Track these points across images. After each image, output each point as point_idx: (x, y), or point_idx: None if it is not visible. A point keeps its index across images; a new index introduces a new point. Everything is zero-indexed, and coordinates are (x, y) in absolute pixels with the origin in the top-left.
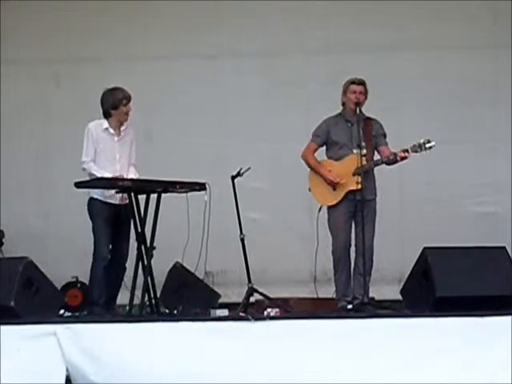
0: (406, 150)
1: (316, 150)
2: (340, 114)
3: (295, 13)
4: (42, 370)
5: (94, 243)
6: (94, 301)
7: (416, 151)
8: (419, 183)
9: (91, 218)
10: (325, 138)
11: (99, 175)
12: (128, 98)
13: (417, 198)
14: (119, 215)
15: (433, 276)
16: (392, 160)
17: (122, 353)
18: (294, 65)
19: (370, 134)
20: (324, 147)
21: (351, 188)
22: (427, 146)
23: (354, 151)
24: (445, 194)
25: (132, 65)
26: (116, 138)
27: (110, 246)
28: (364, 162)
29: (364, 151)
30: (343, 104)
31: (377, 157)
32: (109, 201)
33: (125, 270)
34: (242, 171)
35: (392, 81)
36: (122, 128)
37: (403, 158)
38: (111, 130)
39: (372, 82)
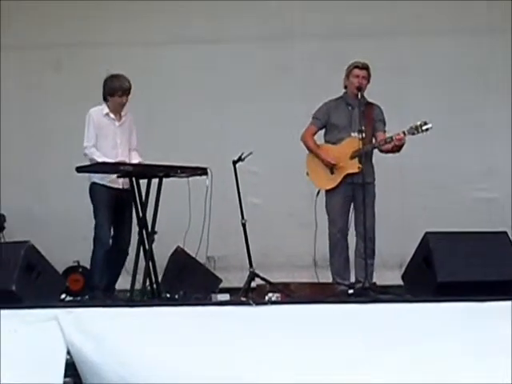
0: (403, 133)
1: (316, 133)
2: (341, 97)
3: None
4: (44, 353)
5: (94, 228)
6: (94, 285)
7: (413, 133)
8: (420, 168)
9: (93, 203)
10: (324, 120)
11: (101, 161)
12: (123, 91)
13: (418, 182)
14: (121, 200)
15: (434, 261)
16: (388, 142)
17: (124, 337)
18: (294, 50)
19: (370, 118)
20: (323, 130)
21: (350, 171)
22: (424, 128)
23: (353, 135)
24: (446, 179)
25: (132, 50)
26: (117, 123)
27: (112, 231)
28: (362, 145)
29: (363, 135)
30: (345, 87)
31: None
32: (111, 185)
33: (127, 255)
34: (243, 156)
35: (392, 66)
36: (123, 113)
37: (399, 140)
38: (112, 115)
39: (372, 67)
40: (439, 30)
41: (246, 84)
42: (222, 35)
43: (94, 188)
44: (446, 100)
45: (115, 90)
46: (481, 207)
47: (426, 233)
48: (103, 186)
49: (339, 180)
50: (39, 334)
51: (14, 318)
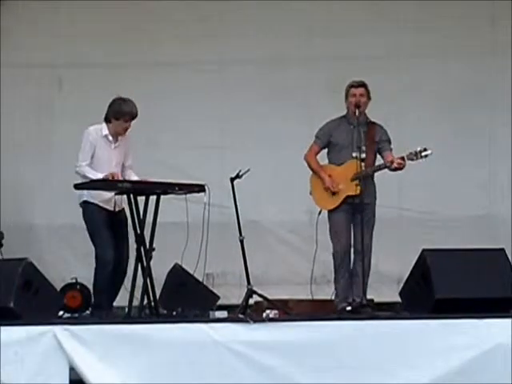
0: (402, 158)
1: (318, 152)
2: (344, 116)
3: (296, 21)
4: (43, 371)
5: (95, 249)
6: (99, 305)
7: (412, 159)
8: (418, 185)
9: (88, 224)
10: (326, 140)
11: (93, 177)
12: (131, 116)
13: (416, 199)
14: (116, 219)
15: (432, 278)
16: (388, 167)
17: (122, 354)
18: (294, 72)
19: (372, 138)
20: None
21: (349, 193)
22: (423, 154)
23: (354, 154)
24: (443, 196)
25: (134, 70)
26: (113, 146)
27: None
28: (363, 168)
29: (364, 155)
30: (347, 108)
31: (378, 161)
32: (103, 205)
33: (125, 275)
34: (241, 173)
35: (391, 87)
36: (120, 137)
37: (399, 165)
38: (110, 138)
39: (372, 88)
40: (439, 52)
41: (247, 105)
42: (225, 57)
43: (88, 207)
44: (445, 120)
45: (123, 115)
46: (479, 224)
47: (424, 250)
48: (95, 205)
49: (340, 201)
50: (37, 350)
51: (12, 335)
